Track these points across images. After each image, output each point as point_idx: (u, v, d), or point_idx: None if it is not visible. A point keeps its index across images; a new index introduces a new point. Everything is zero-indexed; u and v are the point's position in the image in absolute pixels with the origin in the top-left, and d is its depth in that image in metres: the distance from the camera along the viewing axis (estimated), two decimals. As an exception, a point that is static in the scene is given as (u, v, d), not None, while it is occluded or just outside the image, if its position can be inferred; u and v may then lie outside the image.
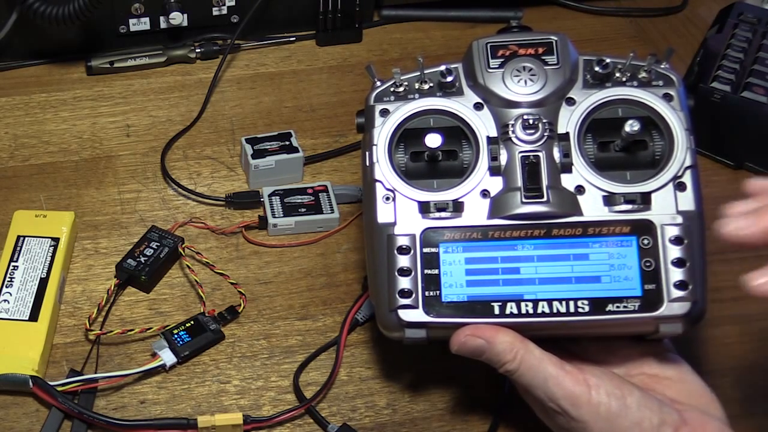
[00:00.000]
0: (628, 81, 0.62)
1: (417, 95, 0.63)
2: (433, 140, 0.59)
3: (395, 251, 0.59)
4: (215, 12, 0.92)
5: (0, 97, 0.89)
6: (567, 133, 0.61)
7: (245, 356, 0.70)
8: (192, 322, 0.70)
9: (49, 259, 0.72)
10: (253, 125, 0.87)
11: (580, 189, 0.60)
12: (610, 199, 0.59)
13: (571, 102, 0.61)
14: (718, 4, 0.96)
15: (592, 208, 0.59)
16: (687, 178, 0.60)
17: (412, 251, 0.59)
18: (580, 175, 0.60)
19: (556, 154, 0.60)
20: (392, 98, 0.63)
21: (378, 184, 0.61)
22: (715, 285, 0.66)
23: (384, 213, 0.60)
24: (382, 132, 0.62)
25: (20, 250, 0.72)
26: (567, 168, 0.60)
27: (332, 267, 0.76)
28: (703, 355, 0.70)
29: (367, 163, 0.62)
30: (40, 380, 0.65)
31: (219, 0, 0.91)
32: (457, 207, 0.60)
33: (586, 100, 0.61)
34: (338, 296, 0.74)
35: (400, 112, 0.62)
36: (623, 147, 0.61)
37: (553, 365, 0.57)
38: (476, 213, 0.60)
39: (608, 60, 0.62)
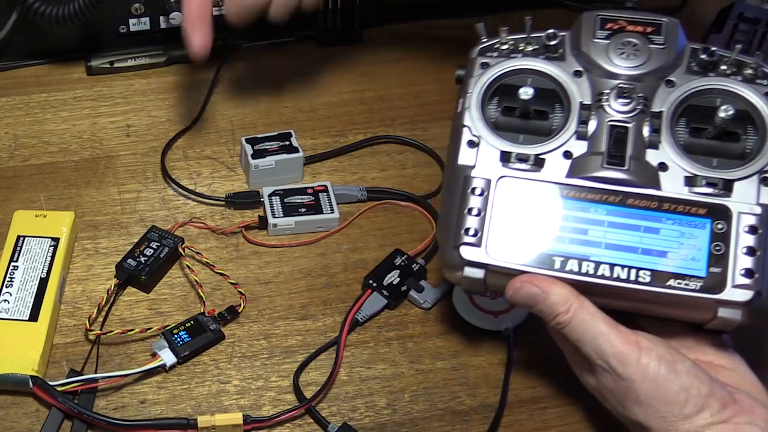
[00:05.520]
0: (732, 74, 0.62)
1: (520, 55, 0.64)
2: (526, 92, 0.61)
3: (469, 192, 0.60)
4: (215, 12, 0.92)
5: (0, 97, 0.89)
6: (660, 112, 0.61)
7: (245, 356, 0.70)
8: (192, 322, 0.70)
9: (49, 259, 0.71)
10: (253, 125, 0.87)
11: (662, 165, 0.60)
12: (691, 180, 0.60)
13: (670, 84, 0.62)
14: (718, 4, 0.96)
15: (672, 186, 0.60)
16: None
17: (485, 194, 0.60)
18: (666, 152, 0.60)
19: (646, 130, 0.61)
20: (495, 54, 0.65)
21: (465, 129, 0.62)
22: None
23: (466, 156, 0.62)
24: (479, 82, 0.63)
25: (20, 250, 0.72)
26: (654, 144, 0.61)
27: (332, 267, 0.76)
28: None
29: (459, 110, 0.63)
30: (40, 380, 0.65)
31: (219, 0, 0.91)
32: (538, 162, 0.61)
33: (687, 84, 0.62)
34: (338, 296, 0.74)
35: (500, 66, 0.64)
36: (715, 135, 0.61)
37: (605, 323, 0.57)
38: (555, 171, 0.61)
39: (715, 49, 0.62)
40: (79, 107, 0.88)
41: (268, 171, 0.80)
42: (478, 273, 0.60)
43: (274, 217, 0.77)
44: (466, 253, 0.60)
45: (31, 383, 0.64)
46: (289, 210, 0.78)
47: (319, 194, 0.79)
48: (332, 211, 0.78)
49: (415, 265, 0.75)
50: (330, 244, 0.78)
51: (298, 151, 0.81)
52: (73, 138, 0.85)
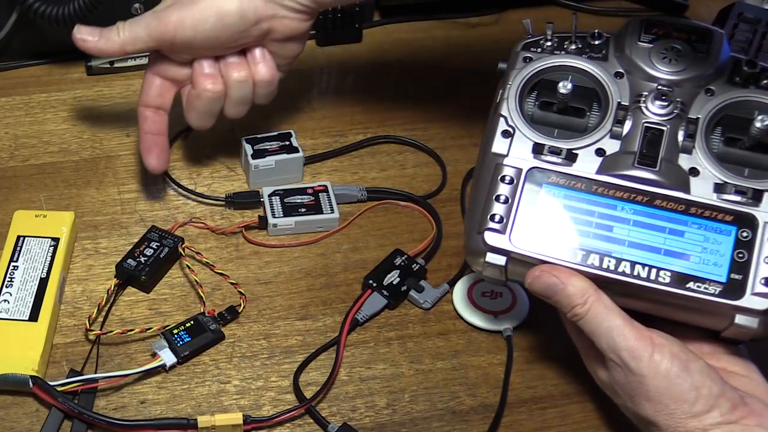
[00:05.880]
0: None
1: (563, 53, 0.65)
2: (565, 86, 0.62)
3: (499, 179, 0.61)
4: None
5: (0, 97, 0.89)
6: (697, 119, 0.62)
7: (245, 356, 0.70)
8: (192, 322, 0.70)
9: (49, 259, 0.72)
10: (253, 125, 0.87)
11: (693, 171, 0.61)
12: (721, 187, 0.60)
13: (709, 92, 0.63)
14: (718, 4, 0.96)
15: (701, 191, 0.60)
16: None
17: (514, 182, 0.61)
18: (699, 158, 0.61)
19: (680, 134, 0.61)
20: (539, 50, 0.66)
21: (501, 119, 0.63)
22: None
23: (499, 145, 0.63)
24: (520, 74, 0.65)
25: (20, 250, 0.72)
26: (687, 149, 0.61)
27: (332, 267, 0.76)
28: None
29: (497, 100, 0.64)
30: (40, 380, 0.65)
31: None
32: (570, 156, 0.62)
33: (726, 94, 0.62)
34: (338, 296, 0.74)
35: (542, 61, 0.65)
36: (750, 146, 0.61)
37: (620, 318, 0.58)
38: (586, 166, 0.61)
39: (758, 62, 0.63)
40: (79, 107, 0.88)
41: (268, 171, 0.80)
42: (500, 260, 0.61)
43: (274, 217, 0.77)
44: (490, 238, 0.60)
45: (31, 383, 0.64)
46: (289, 210, 0.78)
47: (319, 194, 0.79)
48: (332, 211, 0.78)
49: (415, 265, 0.75)
50: (330, 244, 0.78)
51: (298, 151, 0.81)
52: (73, 138, 0.85)
